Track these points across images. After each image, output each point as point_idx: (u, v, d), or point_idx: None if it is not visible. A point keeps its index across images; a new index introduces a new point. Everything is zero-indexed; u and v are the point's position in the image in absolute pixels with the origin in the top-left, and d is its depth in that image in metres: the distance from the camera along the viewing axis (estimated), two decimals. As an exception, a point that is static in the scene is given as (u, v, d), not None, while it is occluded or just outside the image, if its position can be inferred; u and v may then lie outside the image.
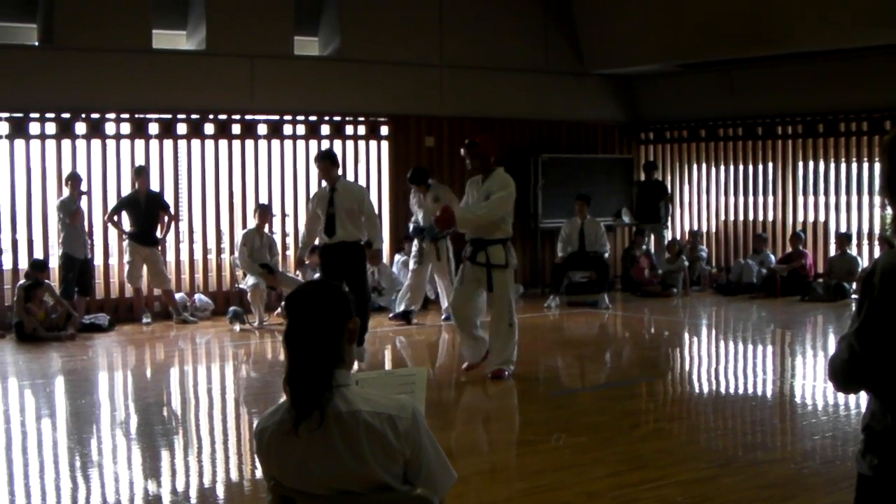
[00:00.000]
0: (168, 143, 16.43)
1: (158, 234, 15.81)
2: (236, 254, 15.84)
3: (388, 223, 17.94)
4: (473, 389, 10.86)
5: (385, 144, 18.17)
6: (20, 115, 15.11)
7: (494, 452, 8.22)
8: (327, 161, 12.51)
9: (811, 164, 19.08)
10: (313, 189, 17.19)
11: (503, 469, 7.69)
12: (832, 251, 18.47)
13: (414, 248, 15.74)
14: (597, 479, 7.29)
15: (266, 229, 15.97)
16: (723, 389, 11.23)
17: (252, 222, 16.13)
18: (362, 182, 17.29)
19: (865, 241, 18.46)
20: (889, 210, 17.63)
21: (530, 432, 8.94)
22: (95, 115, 15.70)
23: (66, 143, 15.58)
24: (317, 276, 16.26)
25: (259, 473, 5.20)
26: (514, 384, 11.02)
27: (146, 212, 15.56)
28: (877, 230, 18.17)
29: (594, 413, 9.84)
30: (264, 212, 15.95)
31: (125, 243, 15.69)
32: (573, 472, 7.51)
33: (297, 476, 3.63)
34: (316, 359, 3.56)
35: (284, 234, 17.26)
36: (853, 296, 17.29)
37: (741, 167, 20.02)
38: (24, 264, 15.15)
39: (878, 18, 15.63)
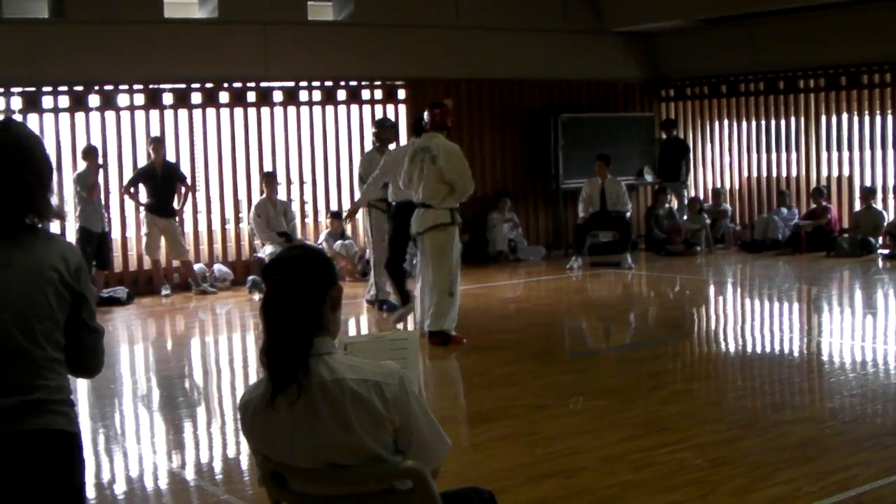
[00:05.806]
0: (183, 113, 16.27)
1: (176, 205, 15.70)
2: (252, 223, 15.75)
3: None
4: (494, 354, 10.73)
5: (402, 108, 18.00)
6: (33, 89, 15.00)
7: (512, 417, 8.08)
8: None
9: (834, 117, 18.80)
10: (331, 155, 17.14)
11: (520, 434, 7.56)
12: (857, 206, 18.20)
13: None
14: (614, 443, 7.17)
15: (277, 196, 15.80)
16: (748, 348, 11.07)
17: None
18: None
19: (891, 195, 18.21)
20: None
21: (549, 396, 8.80)
22: (109, 87, 15.60)
23: (79, 117, 15.48)
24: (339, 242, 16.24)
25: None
26: (535, 348, 10.95)
27: (163, 183, 15.46)
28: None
29: (615, 375, 9.74)
30: (270, 180, 15.77)
31: (142, 215, 15.60)
32: (590, 436, 7.39)
33: (284, 450, 3.50)
34: (293, 328, 3.39)
35: (303, 202, 17.16)
36: (879, 250, 17.10)
37: (763, 122, 19.77)
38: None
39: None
